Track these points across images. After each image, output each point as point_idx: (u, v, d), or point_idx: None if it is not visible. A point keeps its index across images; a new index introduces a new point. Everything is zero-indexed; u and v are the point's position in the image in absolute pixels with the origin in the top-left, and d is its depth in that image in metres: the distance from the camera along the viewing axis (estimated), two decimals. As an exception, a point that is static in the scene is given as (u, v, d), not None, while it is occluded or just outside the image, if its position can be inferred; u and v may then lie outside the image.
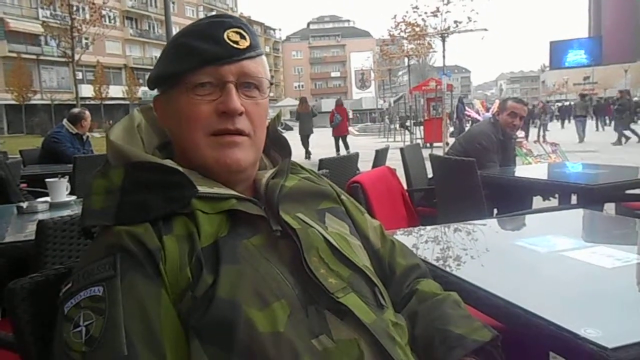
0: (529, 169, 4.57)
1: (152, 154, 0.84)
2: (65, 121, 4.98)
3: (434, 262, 1.28)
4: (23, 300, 0.81)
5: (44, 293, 0.82)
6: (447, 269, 1.23)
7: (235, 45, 0.82)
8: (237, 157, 0.82)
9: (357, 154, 3.70)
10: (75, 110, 5.16)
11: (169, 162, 0.80)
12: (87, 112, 5.11)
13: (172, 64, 0.83)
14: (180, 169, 0.79)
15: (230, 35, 0.83)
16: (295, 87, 79.13)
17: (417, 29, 19.97)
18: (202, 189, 0.78)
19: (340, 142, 13.64)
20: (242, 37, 0.84)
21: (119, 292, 0.67)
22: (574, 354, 0.82)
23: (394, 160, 3.82)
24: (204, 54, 0.81)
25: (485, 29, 18.30)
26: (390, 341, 0.75)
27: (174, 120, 0.84)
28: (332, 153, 11.85)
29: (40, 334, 0.80)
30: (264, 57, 0.89)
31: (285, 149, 0.96)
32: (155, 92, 0.89)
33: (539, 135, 17.84)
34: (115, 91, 42.43)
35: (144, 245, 0.71)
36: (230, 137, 0.82)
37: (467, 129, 13.19)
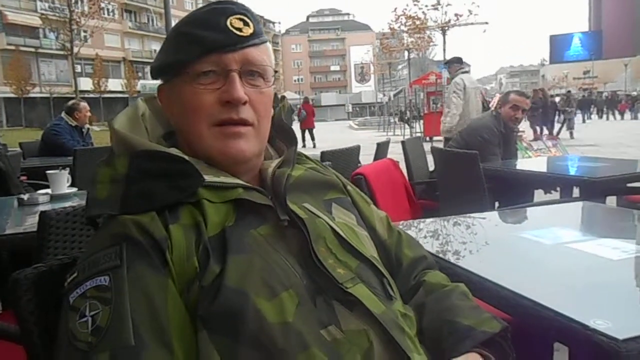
0: (530, 162, 4.56)
1: (156, 143, 0.83)
2: (64, 113, 4.96)
3: (438, 254, 1.27)
4: (27, 291, 0.80)
5: (48, 283, 0.81)
6: (452, 261, 1.23)
7: (238, 33, 0.81)
8: (242, 148, 0.81)
9: (358, 147, 3.69)
10: (71, 101, 5.14)
11: (174, 151, 0.79)
12: (83, 103, 5.05)
13: (175, 53, 0.82)
14: (187, 157, 0.78)
15: (233, 22, 0.81)
16: (295, 81, 78.89)
17: (418, 22, 19.97)
18: (208, 177, 0.77)
19: (307, 134, 16.20)
20: (246, 24, 0.82)
21: (125, 281, 0.66)
22: (582, 345, 0.81)
23: (394, 154, 3.80)
24: (206, 42, 0.79)
25: (486, 22, 18.24)
26: (399, 332, 0.74)
27: (177, 110, 0.83)
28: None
29: (45, 325, 0.79)
30: (268, 45, 0.87)
31: (291, 138, 0.94)
32: (157, 82, 0.88)
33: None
34: (114, 84, 42.22)
35: (150, 235, 0.70)
36: (234, 128, 0.80)
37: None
